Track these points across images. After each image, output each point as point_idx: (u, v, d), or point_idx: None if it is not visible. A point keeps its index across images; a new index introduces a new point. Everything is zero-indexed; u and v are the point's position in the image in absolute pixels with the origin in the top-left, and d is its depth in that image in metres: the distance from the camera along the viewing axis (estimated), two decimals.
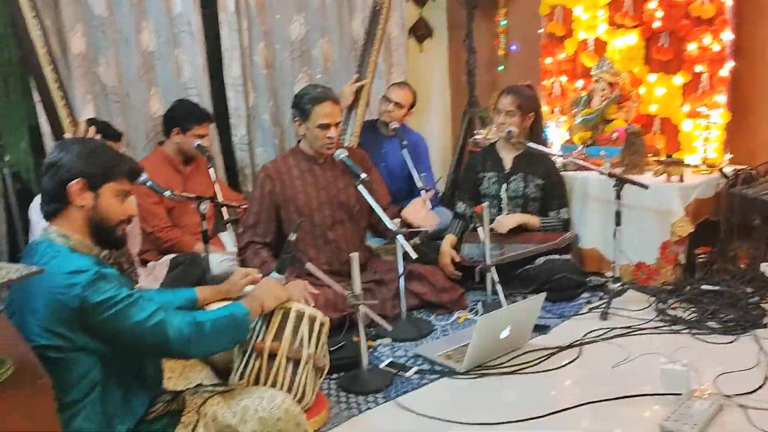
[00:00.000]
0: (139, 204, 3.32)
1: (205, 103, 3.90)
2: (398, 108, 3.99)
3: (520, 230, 3.41)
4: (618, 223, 3.08)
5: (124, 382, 1.70)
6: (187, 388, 1.92)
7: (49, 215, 1.72)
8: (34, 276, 1.32)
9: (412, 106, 4.09)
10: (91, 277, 1.57)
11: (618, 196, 3.06)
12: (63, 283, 1.55)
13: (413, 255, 2.69)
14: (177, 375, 2.08)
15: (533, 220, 3.46)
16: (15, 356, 1.32)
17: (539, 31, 4.38)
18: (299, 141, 3.12)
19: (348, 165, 2.94)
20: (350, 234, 3.18)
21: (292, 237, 2.28)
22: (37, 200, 2.67)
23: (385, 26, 4.04)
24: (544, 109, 4.11)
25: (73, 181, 1.68)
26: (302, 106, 2.96)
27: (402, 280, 2.95)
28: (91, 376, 1.62)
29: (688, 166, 3.52)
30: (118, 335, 1.61)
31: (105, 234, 1.74)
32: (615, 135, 3.74)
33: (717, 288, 3.10)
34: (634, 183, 3.06)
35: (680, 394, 2.21)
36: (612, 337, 2.80)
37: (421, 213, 3.02)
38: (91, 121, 3.12)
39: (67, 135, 3.03)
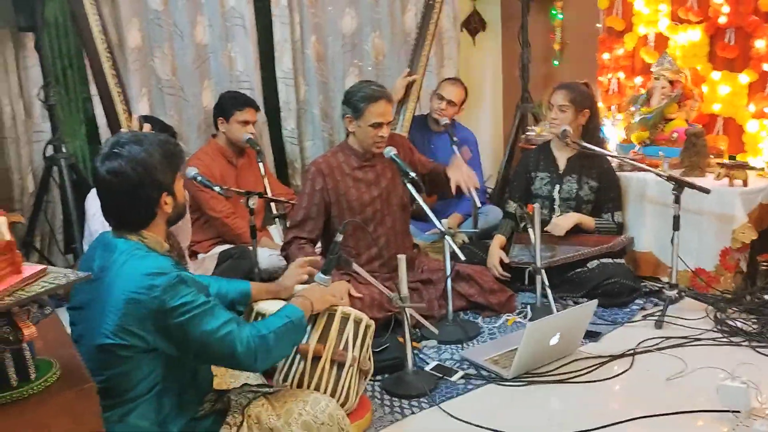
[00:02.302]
0: (201, 192, 3.34)
1: (257, 96, 3.92)
2: (451, 106, 3.93)
3: (573, 231, 3.32)
4: (676, 227, 2.96)
5: (180, 383, 1.71)
6: (233, 388, 1.92)
7: (133, 227, 1.69)
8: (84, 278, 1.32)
9: (463, 102, 4.03)
10: (171, 280, 1.58)
11: (677, 201, 2.94)
12: (143, 284, 1.56)
13: (461, 256, 2.64)
14: (223, 373, 2.09)
15: (589, 221, 3.37)
16: (62, 358, 1.33)
17: (597, 26, 4.26)
18: (347, 136, 3.09)
19: (398, 163, 2.90)
20: (399, 228, 3.16)
21: (339, 238, 2.25)
22: (95, 192, 2.70)
23: (438, 20, 3.99)
24: (600, 106, 3.99)
25: (162, 197, 1.69)
26: (355, 103, 2.92)
27: (449, 281, 2.91)
28: (152, 377, 1.64)
29: (752, 169, 3.35)
30: (188, 340, 1.61)
31: (176, 221, 1.79)
32: (675, 135, 3.60)
33: None
34: (693, 187, 2.92)
35: (739, 412, 2.12)
36: (667, 347, 2.71)
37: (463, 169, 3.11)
38: (146, 118, 3.15)
39: (124, 129, 3.08)
